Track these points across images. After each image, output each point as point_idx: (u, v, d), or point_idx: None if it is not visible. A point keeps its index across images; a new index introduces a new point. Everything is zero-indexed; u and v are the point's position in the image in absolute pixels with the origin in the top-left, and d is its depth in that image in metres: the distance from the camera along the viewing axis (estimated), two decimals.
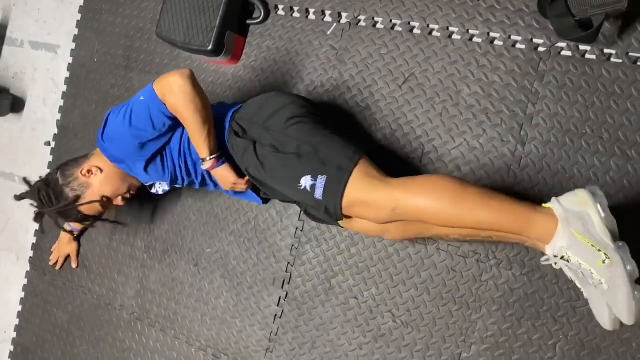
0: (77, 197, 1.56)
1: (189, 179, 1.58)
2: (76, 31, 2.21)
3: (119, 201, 1.63)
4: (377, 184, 1.23)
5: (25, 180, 1.64)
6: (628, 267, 1.02)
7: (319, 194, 1.27)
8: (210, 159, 1.43)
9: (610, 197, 1.32)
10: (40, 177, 1.65)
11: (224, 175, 1.47)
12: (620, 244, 1.04)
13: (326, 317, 1.63)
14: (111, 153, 1.52)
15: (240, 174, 1.48)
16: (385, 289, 1.55)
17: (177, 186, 1.64)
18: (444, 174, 1.24)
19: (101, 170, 1.58)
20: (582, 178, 1.35)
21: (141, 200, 1.82)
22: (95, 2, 2.17)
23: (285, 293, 1.69)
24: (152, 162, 1.51)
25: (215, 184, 1.58)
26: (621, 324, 1.09)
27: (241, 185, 1.50)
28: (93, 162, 1.59)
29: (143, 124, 1.41)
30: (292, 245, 1.69)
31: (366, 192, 1.23)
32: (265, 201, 1.67)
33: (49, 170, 2.23)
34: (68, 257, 2.14)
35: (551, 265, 1.18)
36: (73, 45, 2.22)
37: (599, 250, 1.06)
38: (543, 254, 1.19)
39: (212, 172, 1.48)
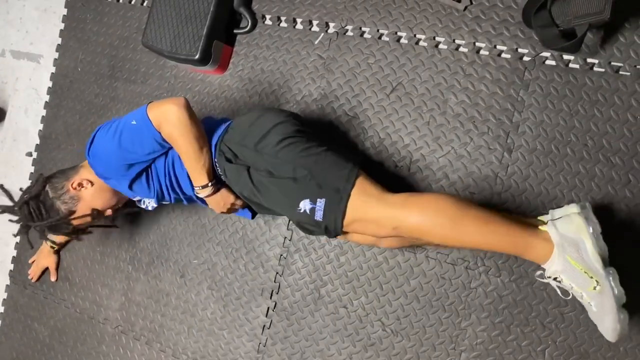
0: (70, 211, 1.53)
1: (175, 197, 1.56)
2: (59, 40, 2.19)
3: (109, 212, 1.61)
4: (377, 203, 1.23)
5: (7, 193, 1.60)
6: (616, 293, 1.08)
7: (319, 216, 1.26)
8: (210, 185, 1.41)
9: (595, 203, 1.34)
10: (23, 189, 1.60)
11: (222, 198, 1.46)
12: (611, 271, 1.10)
13: (315, 327, 1.62)
14: (97, 170, 1.49)
15: (233, 194, 1.48)
16: (374, 297, 1.55)
17: (164, 203, 1.62)
18: (444, 194, 1.25)
19: (92, 184, 1.55)
20: (568, 185, 1.37)
21: (124, 211, 1.79)
22: (79, 11, 2.15)
23: (274, 303, 1.68)
24: (136, 180, 1.49)
25: (203, 201, 1.56)
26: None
27: (237, 206, 1.49)
28: (83, 174, 1.56)
29: (132, 148, 1.39)
30: (281, 255, 1.68)
31: (366, 212, 1.24)
32: (254, 215, 1.66)
33: (30, 181, 2.19)
34: (46, 269, 2.09)
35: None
36: (56, 55, 2.19)
37: (591, 277, 1.12)
38: (537, 266, 1.23)
39: (209, 198, 1.45)
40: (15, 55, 2.31)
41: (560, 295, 1.25)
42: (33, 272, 2.09)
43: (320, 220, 1.26)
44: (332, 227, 1.26)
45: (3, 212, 1.54)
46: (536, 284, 1.38)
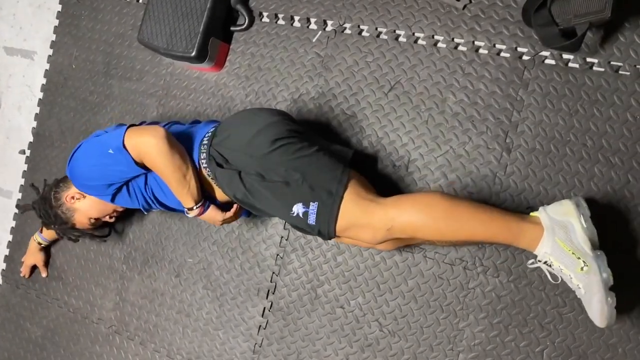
0: (70, 222, 1.65)
1: (162, 208, 1.57)
2: (53, 37, 2.16)
3: (107, 218, 1.69)
4: (370, 205, 1.24)
5: (33, 186, 1.79)
6: (604, 275, 1.10)
7: (311, 219, 1.26)
8: (196, 208, 1.43)
9: (595, 203, 1.34)
10: (36, 188, 1.78)
11: (211, 217, 1.48)
12: (599, 253, 1.13)
13: (312, 327, 1.60)
14: (76, 186, 1.54)
15: (225, 209, 1.49)
16: (371, 297, 1.53)
17: (155, 210, 1.65)
18: (434, 191, 1.29)
19: (84, 196, 1.62)
20: (567, 185, 1.37)
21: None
22: (73, 7, 2.13)
23: (270, 303, 1.66)
24: (117, 195, 1.52)
25: None
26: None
27: (230, 219, 1.50)
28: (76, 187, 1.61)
29: (109, 174, 1.43)
30: (277, 255, 1.66)
31: (359, 215, 1.24)
32: (250, 213, 1.65)
33: (23, 180, 2.17)
34: (36, 267, 2.07)
35: (537, 271, 1.25)
36: (50, 52, 2.17)
37: (579, 258, 1.15)
38: (529, 257, 1.25)
39: (200, 218, 1.48)
40: (8, 52, 2.29)
41: (550, 280, 1.27)
42: (24, 271, 2.07)
43: (314, 224, 1.26)
44: (325, 231, 1.26)
45: (23, 211, 1.78)
46: (534, 284, 1.38)
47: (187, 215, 1.45)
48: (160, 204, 1.54)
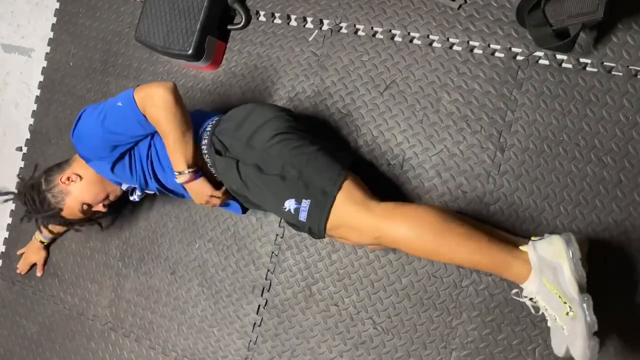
0: (59, 205, 1.56)
1: (158, 188, 1.55)
2: (51, 34, 2.17)
3: (100, 207, 1.62)
4: (361, 210, 1.23)
5: (20, 178, 1.70)
6: (588, 320, 1.08)
7: (303, 216, 1.26)
8: (188, 172, 1.39)
9: (587, 203, 1.35)
10: (24, 179, 1.68)
11: (199, 188, 1.44)
12: (585, 298, 1.09)
13: (306, 324, 1.61)
14: (79, 151, 1.50)
15: (216, 186, 1.46)
16: (366, 295, 1.54)
17: (149, 192, 1.62)
18: (429, 208, 1.25)
19: (80, 178, 1.57)
20: (560, 184, 1.37)
21: (116, 206, 1.78)
22: (71, 5, 2.13)
23: (265, 301, 1.67)
24: (119, 162, 1.49)
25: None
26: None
27: (216, 199, 1.47)
28: (74, 168, 1.58)
29: (117, 130, 1.39)
30: (272, 252, 1.67)
31: (349, 218, 1.23)
32: (245, 210, 1.65)
33: (20, 177, 2.17)
34: (34, 265, 2.07)
35: None
36: (48, 49, 2.17)
37: (565, 302, 1.12)
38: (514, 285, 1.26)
39: (187, 186, 1.44)
40: (6, 49, 2.29)
41: (532, 312, 1.26)
42: (22, 267, 2.07)
43: (304, 221, 1.26)
44: (316, 229, 1.26)
45: (5, 200, 1.61)
46: None
47: (176, 180, 1.42)
48: (158, 181, 1.52)
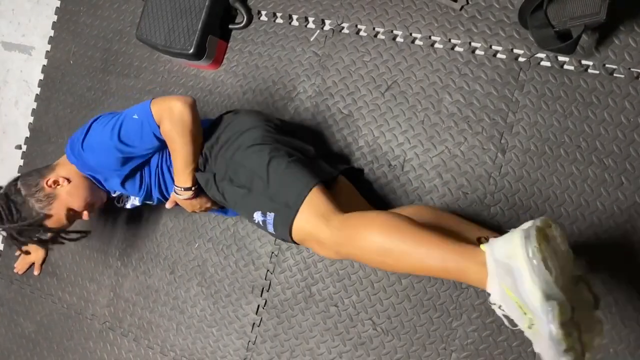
0: (44, 211, 1.45)
1: (159, 198, 1.55)
2: (52, 33, 2.16)
3: (85, 215, 1.52)
4: (321, 223, 1.15)
5: None
6: (553, 333, 0.84)
7: (270, 228, 1.24)
8: (192, 190, 1.40)
9: (588, 205, 1.35)
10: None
11: (197, 202, 1.46)
12: (550, 307, 0.84)
13: (305, 325, 1.60)
14: (88, 162, 1.43)
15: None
16: (365, 296, 1.54)
17: (147, 203, 1.60)
18: (376, 215, 1.14)
19: (69, 181, 1.48)
20: (561, 186, 1.37)
21: (114, 205, 1.77)
22: (72, 3, 2.13)
23: (264, 301, 1.66)
24: (130, 178, 1.47)
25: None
26: None
27: (208, 208, 1.51)
28: (59, 172, 1.49)
29: (132, 142, 1.37)
30: (272, 252, 1.66)
31: (311, 231, 1.17)
32: None
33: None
34: (32, 264, 2.06)
35: None
36: (48, 47, 2.17)
37: (525, 314, 0.90)
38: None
39: (182, 202, 1.45)
40: (6, 47, 2.29)
41: (508, 325, 0.97)
42: (20, 266, 2.07)
43: (273, 232, 1.25)
44: (284, 240, 1.25)
45: None
46: None
47: (177, 195, 1.41)
48: (162, 190, 1.52)
